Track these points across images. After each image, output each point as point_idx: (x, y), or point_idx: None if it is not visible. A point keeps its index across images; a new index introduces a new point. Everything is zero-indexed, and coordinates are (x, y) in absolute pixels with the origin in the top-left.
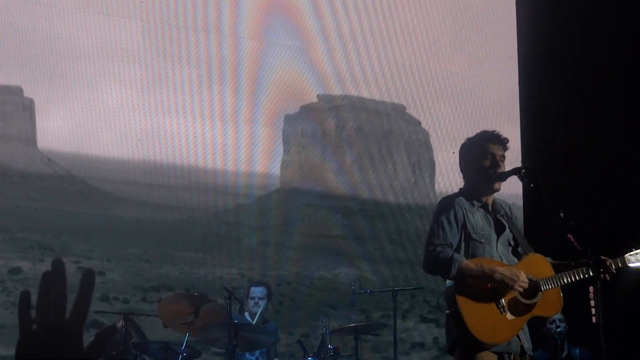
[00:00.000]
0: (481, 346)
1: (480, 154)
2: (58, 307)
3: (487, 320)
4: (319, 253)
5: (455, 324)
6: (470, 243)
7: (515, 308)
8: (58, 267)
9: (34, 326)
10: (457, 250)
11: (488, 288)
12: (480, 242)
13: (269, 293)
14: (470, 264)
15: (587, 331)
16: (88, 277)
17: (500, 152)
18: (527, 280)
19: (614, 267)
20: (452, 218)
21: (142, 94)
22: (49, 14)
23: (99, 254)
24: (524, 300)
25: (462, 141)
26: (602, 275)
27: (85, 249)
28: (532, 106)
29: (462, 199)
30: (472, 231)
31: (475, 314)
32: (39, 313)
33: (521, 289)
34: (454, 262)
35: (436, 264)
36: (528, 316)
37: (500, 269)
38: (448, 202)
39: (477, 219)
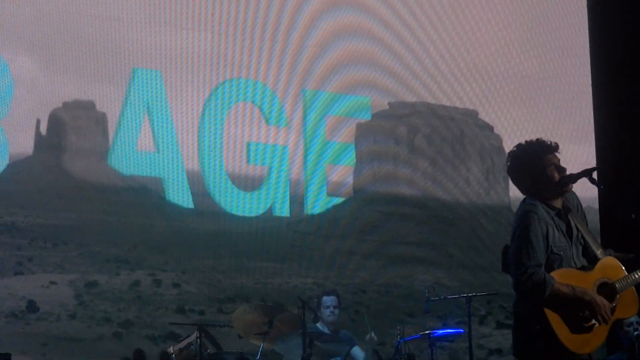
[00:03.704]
0: (566, 356)
1: (542, 167)
2: None
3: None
4: (394, 260)
5: (539, 333)
6: (550, 256)
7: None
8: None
9: None
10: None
11: (577, 308)
12: (559, 255)
13: (340, 301)
14: (562, 287)
15: None
16: None
17: (558, 157)
18: (609, 314)
19: None
20: (539, 235)
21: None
22: (118, 27)
23: (173, 266)
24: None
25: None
26: None
27: (160, 262)
28: (606, 107)
29: (541, 210)
30: (553, 246)
31: (565, 326)
32: None
33: (603, 319)
34: (547, 286)
35: (530, 287)
36: (611, 320)
37: (590, 291)
38: (530, 217)
39: (556, 230)
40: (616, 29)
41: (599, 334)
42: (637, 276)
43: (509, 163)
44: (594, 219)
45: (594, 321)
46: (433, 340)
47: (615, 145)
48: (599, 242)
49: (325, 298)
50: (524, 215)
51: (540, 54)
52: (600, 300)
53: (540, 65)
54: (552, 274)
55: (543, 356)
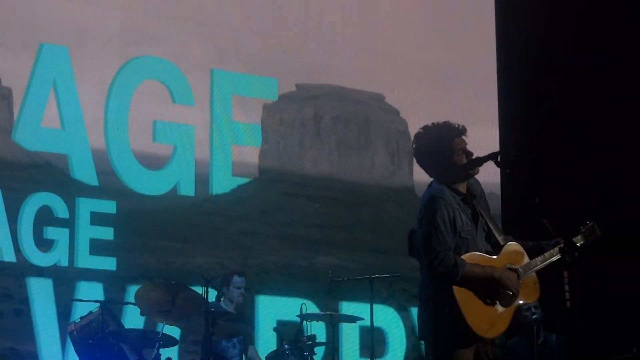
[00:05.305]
0: (473, 340)
1: (449, 151)
2: None
3: (484, 316)
4: (298, 242)
5: (448, 317)
6: (458, 241)
7: (503, 299)
8: None
9: None
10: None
11: (486, 288)
12: (467, 239)
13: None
14: (473, 267)
15: (562, 317)
16: None
17: (466, 142)
18: (518, 284)
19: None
20: (446, 220)
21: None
22: (26, 1)
23: None
24: (509, 291)
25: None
26: (572, 258)
27: None
28: (510, 92)
29: (448, 195)
30: (460, 230)
31: (474, 310)
32: None
33: (515, 291)
34: (459, 268)
35: (442, 271)
36: (515, 306)
37: (498, 269)
38: (438, 201)
39: (462, 215)
40: (522, 14)
41: (504, 319)
42: (538, 262)
43: (414, 145)
44: (495, 205)
45: (499, 305)
46: (335, 321)
47: (518, 129)
48: (501, 228)
49: (237, 278)
50: (431, 200)
51: (447, 39)
52: (510, 274)
53: (446, 50)
54: (472, 262)
55: (450, 339)
